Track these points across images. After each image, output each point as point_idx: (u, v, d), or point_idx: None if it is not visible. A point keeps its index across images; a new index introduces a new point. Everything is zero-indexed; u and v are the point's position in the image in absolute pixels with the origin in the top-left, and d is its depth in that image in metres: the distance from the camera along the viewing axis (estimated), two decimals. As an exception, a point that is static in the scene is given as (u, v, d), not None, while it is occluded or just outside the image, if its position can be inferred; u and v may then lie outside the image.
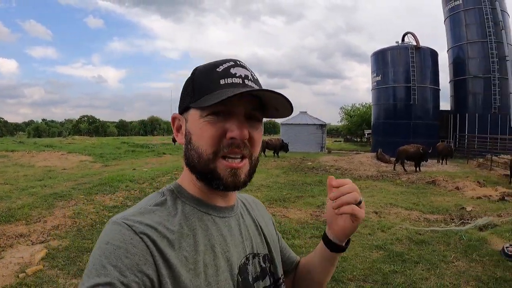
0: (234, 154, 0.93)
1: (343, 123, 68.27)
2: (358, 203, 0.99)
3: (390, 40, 52.94)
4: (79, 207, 9.21)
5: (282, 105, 0.96)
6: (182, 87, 1.03)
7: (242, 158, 0.95)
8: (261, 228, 1.15)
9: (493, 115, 33.69)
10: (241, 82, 0.95)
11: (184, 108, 1.00)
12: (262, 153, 26.01)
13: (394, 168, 21.38)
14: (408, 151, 20.79)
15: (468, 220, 9.32)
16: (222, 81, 0.93)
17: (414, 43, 36.01)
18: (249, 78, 0.97)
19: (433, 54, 36.98)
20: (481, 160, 24.35)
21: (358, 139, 62.34)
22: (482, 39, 34.05)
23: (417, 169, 20.61)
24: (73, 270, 5.61)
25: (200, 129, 0.93)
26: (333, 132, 78.95)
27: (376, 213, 9.82)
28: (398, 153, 21.25)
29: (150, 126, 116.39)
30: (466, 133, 33.53)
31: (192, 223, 0.93)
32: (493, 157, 22.42)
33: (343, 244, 1.11)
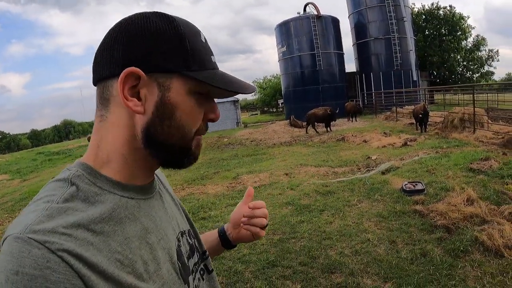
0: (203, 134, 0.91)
1: (257, 96, 68.94)
2: (264, 227, 1.16)
3: (297, 10, 54.16)
4: (5, 226, 8.73)
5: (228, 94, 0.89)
6: (136, 28, 0.78)
7: None
8: (178, 202, 1.10)
9: (396, 71, 36.67)
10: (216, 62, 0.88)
11: (161, 69, 0.78)
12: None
13: (306, 131, 22.32)
14: (317, 114, 21.76)
15: (373, 167, 9.92)
16: (212, 59, 0.85)
17: (316, 13, 37.59)
18: None
19: (335, 21, 38.92)
20: (388, 113, 25.90)
21: (274, 110, 63.31)
22: (381, 3, 36.50)
23: (328, 129, 21.65)
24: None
25: (191, 107, 0.81)
26: (249, 106, 79.39)
27: (287, 174, 10.20)
28: (308, 117, 22.18)
29: (64, 131, 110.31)
30: (373, 90, 35.42)
31: (118, 214, 0.76)
32: (398, 109, 23.86)
33: (235, 244, 1.29)
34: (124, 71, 0.74)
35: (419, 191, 6.86)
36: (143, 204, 0.85)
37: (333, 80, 37.05)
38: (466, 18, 52.41)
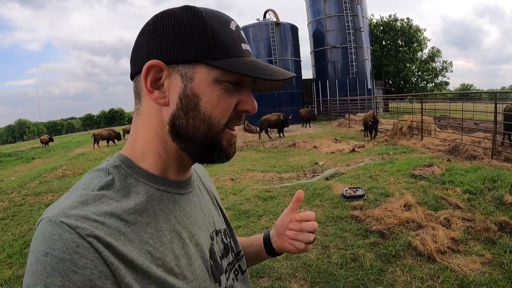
0: (237, 125, 0.86)
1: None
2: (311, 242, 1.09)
3: (261, 15, 54.11)
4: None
5: (270, 85, 0.88)
6: (159, 23, 0.79)
7: None
8: (216, 200, 1.09)
9: (352, 79, 38.09)
10: (249, 49, 0.85)
11: (183, 59, 0.77)
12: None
13: (259, 137, 22.53)
14: (270, 120, 22.09)
15: (319, 173, 9.97)
16: (243, 46, 0.81)
17: (275, 20, 38.30)
18: None
19: (293, 29, 39.83)
20: (341, 120, 26.38)
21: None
22: (339, 13, 37.74)
23: (281, 135, 21.98)
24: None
25: (218, 96, 0.78)
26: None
27: (232, 179, 10.17)
28: (261, 122, 22.51)
29: (19, 131, 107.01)
30: (328, 97, 36.20)
31: (152, 207, 0.78)
32: (351, 116, 24.32)
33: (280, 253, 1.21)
34: (146, 64, 0.76)
35: (359, 197, 6.92)
36: (179, 199, 0.86)
37: (289, 87, 37.50)
38: (423, 31, 54.59)
